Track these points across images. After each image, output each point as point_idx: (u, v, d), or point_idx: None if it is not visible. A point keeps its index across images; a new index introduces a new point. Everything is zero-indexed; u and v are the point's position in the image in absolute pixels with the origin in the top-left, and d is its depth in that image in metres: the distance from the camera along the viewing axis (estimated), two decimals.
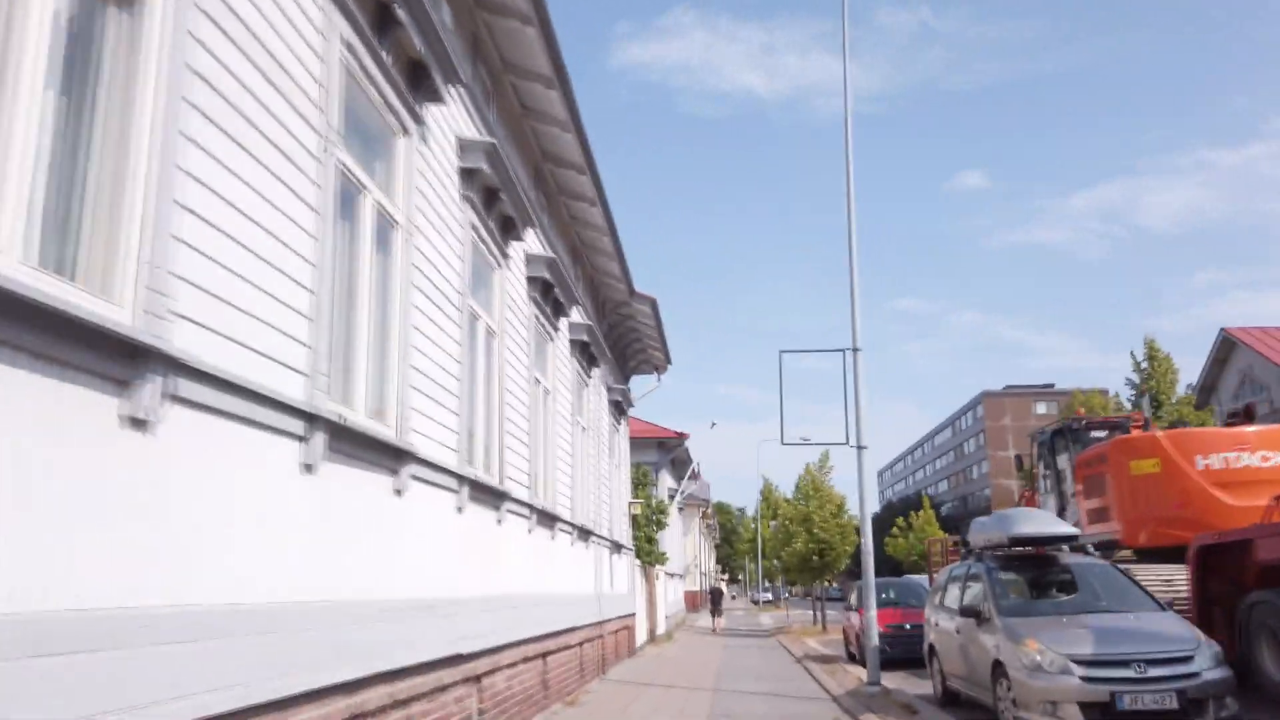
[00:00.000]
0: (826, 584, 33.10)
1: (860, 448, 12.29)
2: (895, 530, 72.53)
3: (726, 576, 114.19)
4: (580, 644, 12.38)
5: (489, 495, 7.95)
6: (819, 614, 31.49)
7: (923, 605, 17.57)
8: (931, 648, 11.08)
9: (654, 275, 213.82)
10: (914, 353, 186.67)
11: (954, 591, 10.67)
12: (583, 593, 12.88)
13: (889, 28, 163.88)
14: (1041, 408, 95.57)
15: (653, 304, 15.52)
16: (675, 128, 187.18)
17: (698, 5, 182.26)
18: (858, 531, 33.47)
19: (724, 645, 23.52)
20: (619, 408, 17.34)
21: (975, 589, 9.79)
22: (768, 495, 53.79)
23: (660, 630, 25.62)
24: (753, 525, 65.34)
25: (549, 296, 10.65)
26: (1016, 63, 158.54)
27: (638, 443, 27.62)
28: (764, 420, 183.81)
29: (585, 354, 13.31)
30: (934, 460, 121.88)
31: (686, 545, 54.68)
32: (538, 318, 10.32)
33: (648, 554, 20.98)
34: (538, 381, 10.48)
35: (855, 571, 64.10)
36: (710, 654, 20.20)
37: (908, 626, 16.23)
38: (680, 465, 31.26)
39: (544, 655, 10.02)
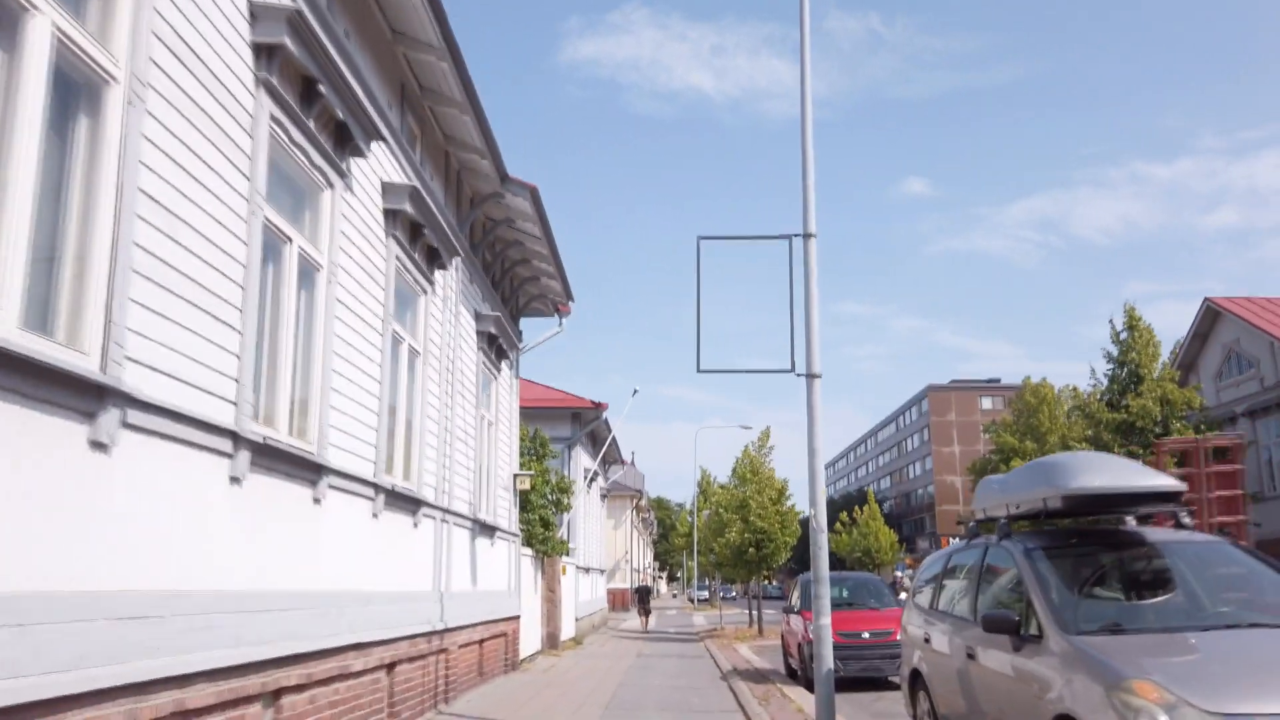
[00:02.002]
0: (765, 580, 29.28)
1: (811, 376, 8.31)
2: (839, 526, 69.52)
3: (665, 574, 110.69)
4: (389, 665, 8.20)
5: (54, 387, 3.75)
6: (755, 614, 27.66)
7: (884, 607, 13.77)
8: (916, 676, 7.14)
9: (599, 273, 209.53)
10: (855, 356, 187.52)
11: (955, 590, 6.75)
12: (402, 589, 8.71)
13: (837, 34, 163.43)
14: (987, 402, 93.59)
15: (532, 195, 11.35)
16: (624, 125, 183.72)
17: (648, 2, 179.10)
18: (804, 525, 29.34)
19: (639, 654, 19.48)
20: (496, 346, 13.16)
21: (1001, 586, 5.86)
22: (705, 487, 49.95)
23: (567, 634, 21.51)
24: (689, 519, 61.46)
25: (315, 107, 6.44)
26: (960, 73, 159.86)
27: (548, 413, 23.51)
28: (707, 418, 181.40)
29: (417, 241, 9.12)
30: (876, 457, 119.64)
31: (616, 539, 50.66)
32: (281, 124, 6.09)
33: (543, 541, 16.84)
34: (282, 237, 6.26)
35: (796, 568, 60.27)
36: (617, 666, 16.14)
37: (866, 635, 12.36)
38: (599, 441, 27.14)
39: (276, 693, 5.84)
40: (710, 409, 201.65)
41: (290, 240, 6.36)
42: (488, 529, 12.72)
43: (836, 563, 75.93)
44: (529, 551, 16.60)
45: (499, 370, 13.72)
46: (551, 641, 19.35)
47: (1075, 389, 26.69)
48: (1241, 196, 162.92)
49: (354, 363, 7.48)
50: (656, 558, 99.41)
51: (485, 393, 13.32)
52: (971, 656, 5.81)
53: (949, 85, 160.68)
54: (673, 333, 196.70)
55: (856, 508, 69.15)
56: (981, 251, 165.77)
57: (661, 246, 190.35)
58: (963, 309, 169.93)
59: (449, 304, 10.71)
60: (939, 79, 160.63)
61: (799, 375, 8.41)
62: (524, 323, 16.56)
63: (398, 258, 8.61)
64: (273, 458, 5.86)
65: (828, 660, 7.78)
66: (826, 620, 7.92)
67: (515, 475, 14.96)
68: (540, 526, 16.85)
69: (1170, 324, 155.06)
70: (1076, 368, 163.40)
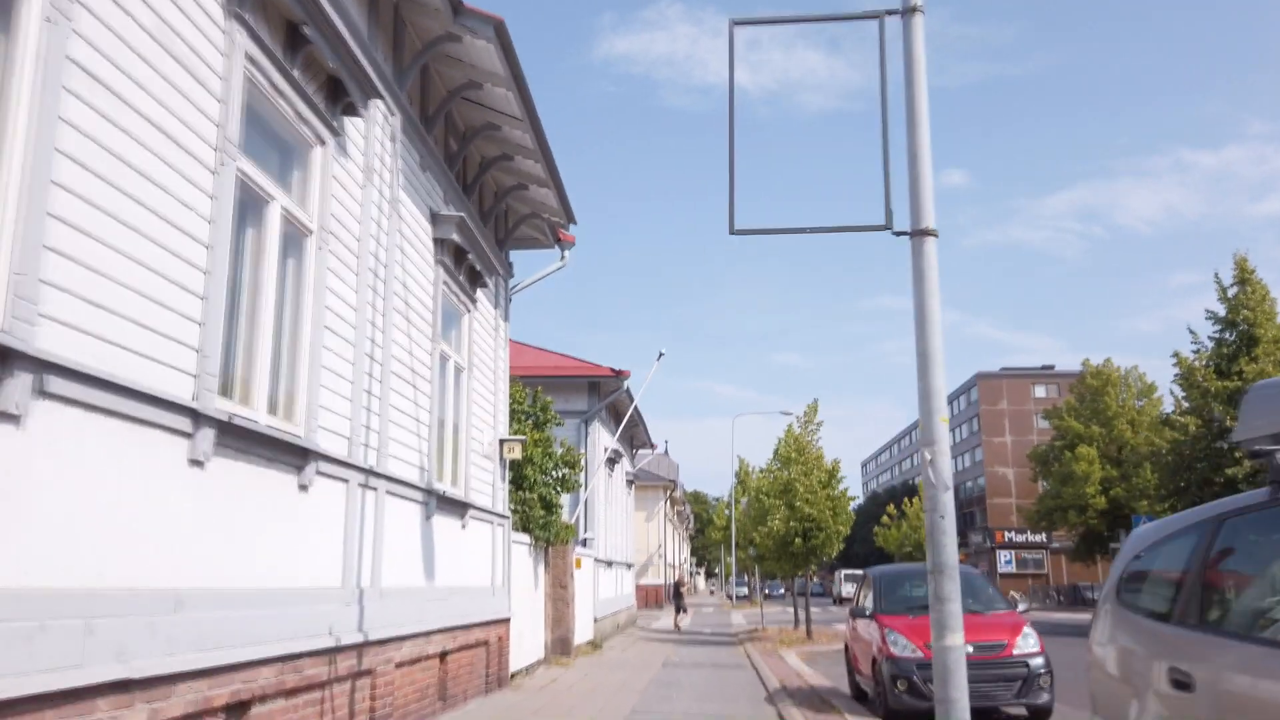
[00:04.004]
0: (813, 576, 25.82)
1: (921, 233, 4.99)
2: (886, 519, 65.83)
3: (703, 570, 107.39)
4: (230, 708, 5.05)
5: None
6: (803, 614, 24.29)
7: (990, 610, 10.34)
8: None
9: (632, 269, 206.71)
10: (890, 351, 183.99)
11: (1263, 590, 3.41)
12: (269, 585, 5.55)
13: (873, 24, 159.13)
14: (1040, 390, 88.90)
15: (498, 33, 8.10)
16: (658, 120, 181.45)
17: None
18: (858, 508, 24.96)
19: (665, 662, 16.24)
20: (467, 267, 9.99)
21: None
22: (743, 477, 46.49)
23: (583, 637, 18.36)
24: (726, 511, 57.94)
25: None
26: (996, 63, 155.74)
27: (561, 383, 20.39)
28: (742, 412, 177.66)
29: (299, 49, 5.95)
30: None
31: (649, 531, 47.50)
32: None
33: (543, 526, 13.68)
34: None
35: (838, 564, 55.65)
36: (635, 680, 12.93)
37: (970, 650, 8.92)
38: (619, 415, 23.91)
39: None
40: (745, 405, 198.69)
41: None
42: (455, 506, 9.57)
43: (883, 558, 71.96)
44: (525, 539, 13.44)
45: (473, 300, 10.53)
46: (562, 647, 16.20)
47: (1177, 354, 22.86)
48: None
49: (131, 193, 4.31)
50: (693, 553, 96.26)
51: (453, 327, 10.16)
52: None
53: (984, 75, 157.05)
54: (704, 326, 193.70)
55: (906, 500, 65.34)
56: (1021, 243, 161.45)
57: (694, 241, 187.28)
58: (1002, 302, 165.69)
59: (377, 178, 7.54)
60: (974, 69, 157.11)
61: (897, 234, 5.10)
62: (517, 257, 13.41)
63: (249, 56, 5.42)
64: None
65: (962, 709, 4.47)
66: (955, 640, 4.64)
67: (502, 441, 11.81)
68: (540, 508, 13.68)
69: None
70: (1121, 360, 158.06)
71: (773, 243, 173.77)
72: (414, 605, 8.16)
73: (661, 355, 19.18)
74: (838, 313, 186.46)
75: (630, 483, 29.51)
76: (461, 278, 9.95)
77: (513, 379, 14.69)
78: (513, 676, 12.19)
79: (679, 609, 28.79)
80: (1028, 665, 8.76)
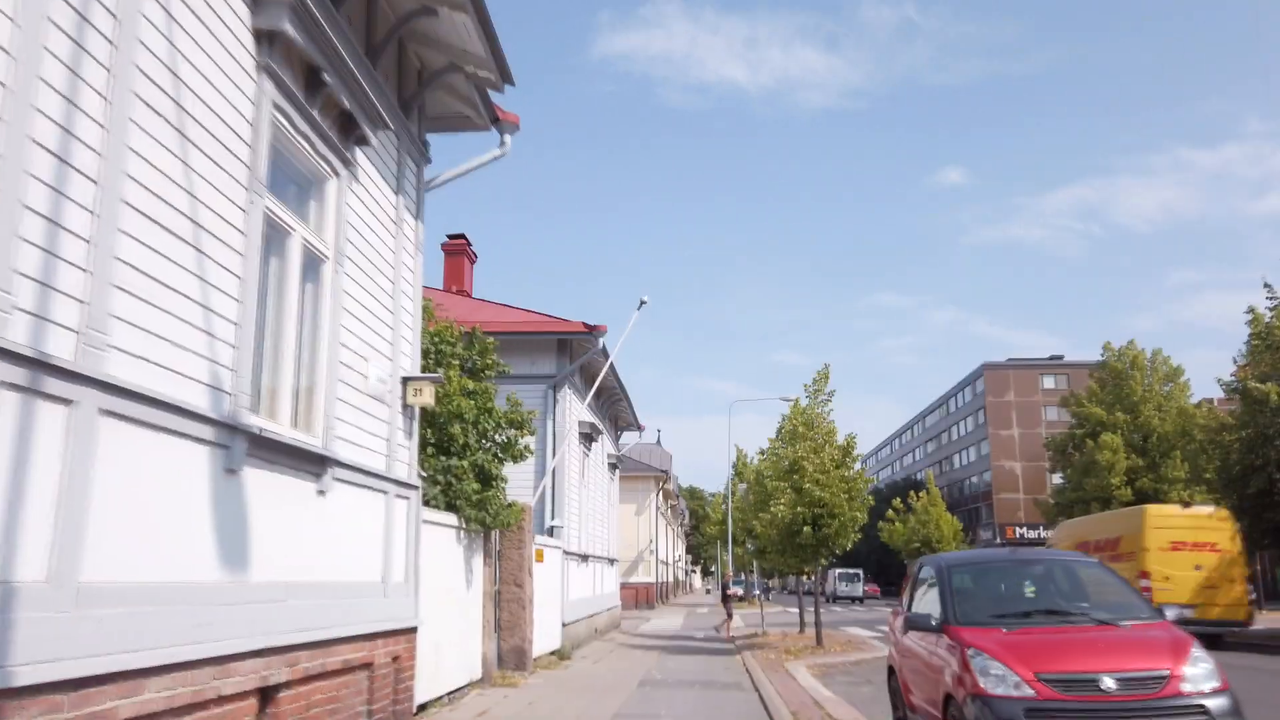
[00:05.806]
0: (814, 575, 22.32)
1: None
2: (891, 514, 62.47)
3: (699, 568, 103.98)
4: None
5: None
6: (813, 617, 20.90)
7: (1130, 620, 6.96)
8: None
9: (632, 268, 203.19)
10: (890, 348, 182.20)
11: None
12: None
13: (873, 23, 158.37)
14: (1049, 381, 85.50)
15: None
16: (656, 119, 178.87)
17: None
18: (881, 502, 20.52)
19: (643, 679, 12.84)
20: (327, 97, 6.62)
21: None
22: (741, 468, 43.07)
23: (547, 646, 15.02)
24: (722, 505, 54.39)
25: None
26: (997, 61, 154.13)
27: (525, 341, 17.05)
28: (740, 399, 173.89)
29: None
30: (923, 444, 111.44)
31: (639, 525, 44.13)
32: None
33: (476, 504, 10.30)
34: None
35: (835, 562, 52.25)
36: (595, 711, 9.54)
37: (1110, 684, 5.54)
38: (607, 392, 20.51)
39: None
40: (743, 398, 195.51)
41: None
42: (300, 458, 6.19)
43: (887, 555, 68.54)
44: (452, 519, 10.06)
45: (346, 162, 7.12)
46: (516, 659, 12.86)
47: (1253, 309, 19.52)
48: None
49: None
50: (689, 550, 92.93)
51: (308, 194, 6.79)
52: None
53: (985, 73, 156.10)
54: (704, 324, 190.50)
55: (912, 494, 62.06)
56: (1020, 241, 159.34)
57: (694, 240, 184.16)
58: (1001, 300, 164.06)
59: None
60: (975, 67, 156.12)
61: None
62: (444, 143, 10.04)
63: None
64: None
65: None
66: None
67: (406, 380, 8.43)
68: (474, 480, 10.28)
69: (1217, 315, 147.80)
70: None
71: (773, 241, 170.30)
72: (184, 613, 4.79)
73: (643, 303, 15.84)
74: (838, 311, 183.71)
75: (613, 467, 26.12)
76: (317, 114, 6.55)
77: (458, 331, 11.34)
78: (424, 708, 8.84)
79: (730, 613, 25.92)
80: (1207, 711, 5.38)
